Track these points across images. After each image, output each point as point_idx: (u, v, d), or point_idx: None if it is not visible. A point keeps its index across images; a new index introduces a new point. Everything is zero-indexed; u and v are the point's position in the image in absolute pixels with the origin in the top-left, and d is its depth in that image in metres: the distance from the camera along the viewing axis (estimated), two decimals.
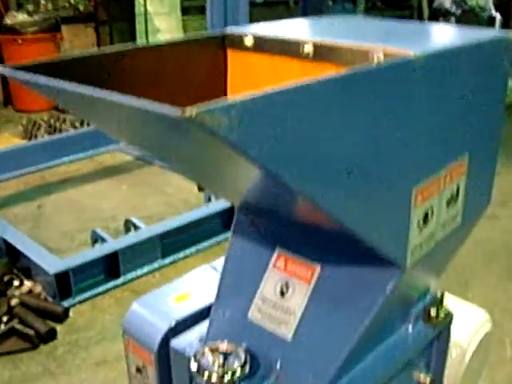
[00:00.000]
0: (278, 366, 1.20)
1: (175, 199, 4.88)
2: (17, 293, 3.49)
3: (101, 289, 3.60)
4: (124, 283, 3.67)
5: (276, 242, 1.27)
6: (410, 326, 1.36)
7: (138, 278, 3.73)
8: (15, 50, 7.10)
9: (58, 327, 3.29)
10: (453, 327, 1.48)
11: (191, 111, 0.64)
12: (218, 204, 4.24)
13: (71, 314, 3.42)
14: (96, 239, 3.90)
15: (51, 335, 3.22)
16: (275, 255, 1.27)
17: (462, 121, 1.21)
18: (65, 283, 3.51)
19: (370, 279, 1.15)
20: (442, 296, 1.43)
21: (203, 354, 1.16)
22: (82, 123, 6.39)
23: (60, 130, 6.22)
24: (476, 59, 1.17)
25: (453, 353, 1.62)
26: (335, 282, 1.19)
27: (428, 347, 1.45)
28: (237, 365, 1.13)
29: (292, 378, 1.18)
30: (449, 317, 1.43)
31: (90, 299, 3.56)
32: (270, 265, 1.27)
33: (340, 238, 1.14)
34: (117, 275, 3.68)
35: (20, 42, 7.06)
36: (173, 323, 1.36)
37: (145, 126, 0.85)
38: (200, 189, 4.80)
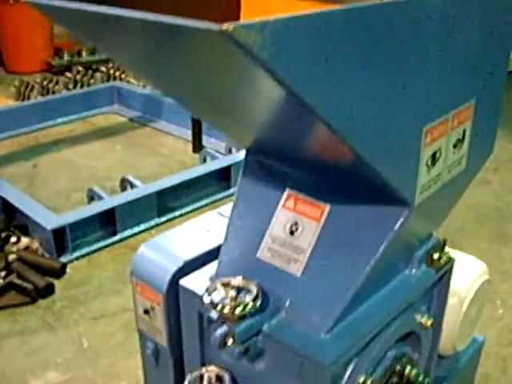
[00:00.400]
0: (287, 304, 1.23)
1: (170, 160, 4.89)
2: (14, 249, 3.51)
3: (98, 246, 3.62)
4: (121, 240, 3.70)
5: (285, 182, 1.30)
6: (414, 269, 1.39)
7: (134, 235, 3.75)
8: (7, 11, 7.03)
9: (56, 283, 3.32)
10: (452, 276, 1.51)
11: (228, 26, 0.66)
12: (214, 163, 4.26)
13: (68, 270, 3.45)
14: (92, 197, 3.91)
15: (49, 290, 3.25)
16: (285, 196, 1.29)
17: (472, 66, 1.23)
18: (62, 240, 3.53)
19: (378, 218, 1.18)
20: (445, 242, 1.46)
21: (215, 288, 1.18)
22: (75, 85, 6.36)
23: (53, 92, 6.19)
24: (488, 3, 1.19)
25: (452, 300, 1.66)
26: (344, 220, 1.22)
27: (430, 290, 1.49)
28: (249, 298, 1.16)
29: (300, 315, 1.21)
30: (450, 261, 1.46)
31: (87, 256, 3.59)
32: (280, 205, 1.29)
33: (350, 176, 1.17)
34: (114, 232, 3.70)
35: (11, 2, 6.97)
36: (181, 263, 1.39)
37: (165, 46, 0.86)
38: (195, 150, 4.81)
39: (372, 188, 1.15)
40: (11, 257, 3.42)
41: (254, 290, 1.17)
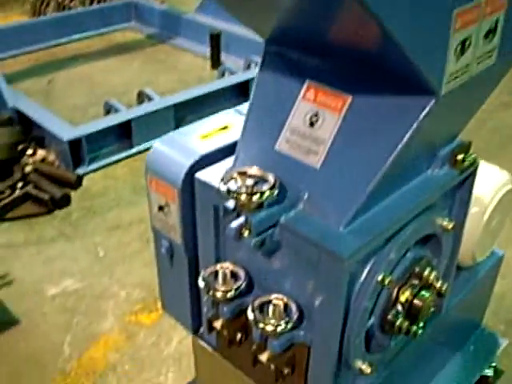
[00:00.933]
0: (306, 196, 1.19)
1: (188, 76, 4.81)
2: (30, 161, 3.49)
3: (114, 158, 3.60)
4: (137, 153, 3.67)
5: (306, 73, 1.23)
6: (436, 169, 1.34)
7: (151, 148, 3.69)
8: None
9: (72, 194, 3.32)
10: (475, 184, 1.46)
11: None
12: (232, 78, 4.18)
13: (85, 182, 3.44)
14: (109, 110, 3.87)
15: (65, 201, 3.25)
16: (305, 87, 1.24)
17: None
18: (78, 152, 3.51)
19: (402, 108, 1.12)
20: (470, 144, 1.40)
21: (232, 177, 1.14)
22: (91, 2, 6.23)
23: (69, 8, 6.07)
24: None
25: (474, 208, 1.62)
26: (366, 111, 1.16)
27: (452, 194, 1.44)
28: (266, 187, 1.12)
29: (319, 208, 1.17)
30: (474, 164, 1.41)
31: (104, 168, 3.57)
32: (299, 97, 1.24)
33: (375, 63, 1.11)
34: (130, 145, 3.67)
35: None
36: (197, 157, 1.34)
37: None
38: (214, 66, 4.73)
39: (397, 76, 1.09)
40: (28, 168, 3.41)
41: (272, 180, 1.13)
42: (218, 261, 1.37)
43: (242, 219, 1.15)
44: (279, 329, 1.20)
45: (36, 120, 3.63)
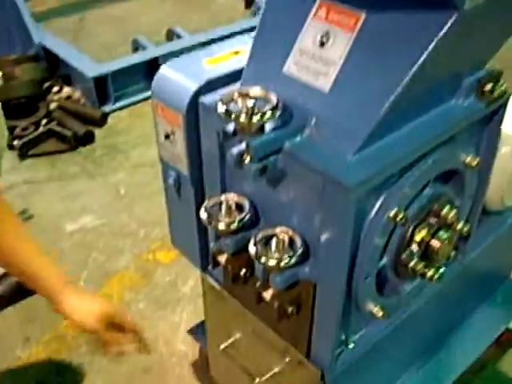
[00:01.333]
0: (313, 122, 1.10)
1: (220, 16, 4.69)
2: (56, 98, 3.45)
3: (141, 96, 3.53)
4: None
5: None
6: (461, 99, 1.24)
7: None
8: None
9: (97, 132, 3.27)
10: (505, 120, 1.35)
11: None
12: None
13: (110, 120, 3.39)
14: (137, 48, 3.79)
15: (89, 138, 3.20)
16: (316, 4, 1.13)
17: None
18: (104, 90, 3.45)
19: (420, 25, 1.01)
20: (500, 73, 1.29)
21: (232, 98, 1.06)
22: None
23: None
24: None
25: (504, 148, 1.51)
26: (380, 30, 1.05)
27: (479, 129, 1.33)
28: (268, 107, 1.03)
29: (326, 134, 1.08)
30: (504, 96, 1.29)
31: (130, 106, 3.51)
32: (310, 16, 1.14)
33: None
34: None
35: None
36: (203, 82, 1.26)
37: None
38: (247, 6, 4.60)
39: None
40: (52, 105, 3.36)
41: (274, 100, 1.05)
42: (223, 192, 1.29)
43: (243, 145, 1.07)
44: (282, 263, 1.13)
45: (62, 57, 3.57)
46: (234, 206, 1.24)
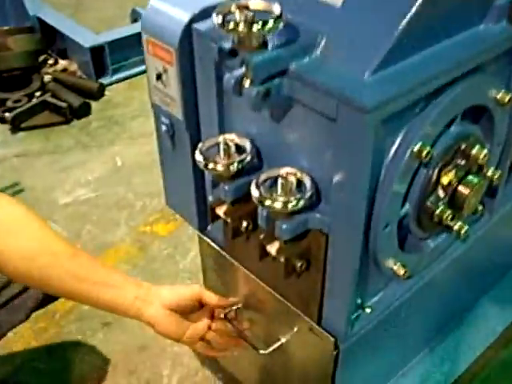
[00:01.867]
0: (323, 41, 0.94)
1: None
2: (51, 70, 3.31)
3: (139, 69, 3.37)
4: None
5: None
6: (491, 23, 1.07)
7: None
8: None
9: (93, 104, 3.13)
10: None
11: None
12: None
13: (108, 92, 3.25)
14: (136, 19, 3.62)
15: (85, 110, 3.06)
16: None
17: None
18: (101, 62, 3.30)
19: None
20: None
21: (229, 10, 0.90)
22: None
23: None
24: None
25: None
26: None
27: (510, 63, 1.17)
28: (270, 18, 0.87)
29: (338, 54, 0.92)
30: None
31: (128, 79, 3.36)
32: None
33: None
34: None
35: None
36: (197, 11, 1.10)
37: None
38: None
39: None
40: (47, 77, 3.22)
41: (277, 10, 0.89)
42: (222, 134, 1.14)
43: (242, 69, 0.91)
44: (290, 205, 0.97)
45: (57, 28, 3.42)
46: (233, 148, 1.08)
